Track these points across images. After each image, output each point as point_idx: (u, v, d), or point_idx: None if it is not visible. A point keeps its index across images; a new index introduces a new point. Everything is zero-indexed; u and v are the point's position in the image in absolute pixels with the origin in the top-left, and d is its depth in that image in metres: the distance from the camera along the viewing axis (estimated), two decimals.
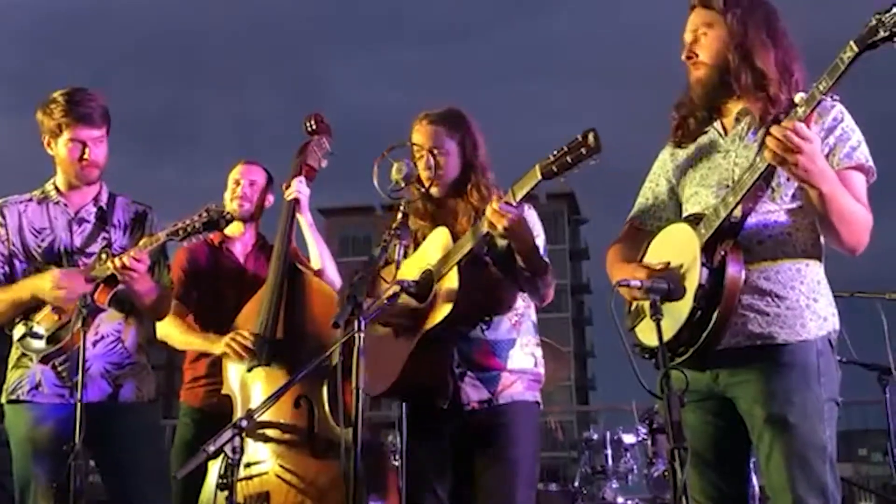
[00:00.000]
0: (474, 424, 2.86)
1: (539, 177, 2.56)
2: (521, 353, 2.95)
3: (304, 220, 3.83)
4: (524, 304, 2.99)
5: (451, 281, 2.76)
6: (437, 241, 2.89)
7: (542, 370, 3.02)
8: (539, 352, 3.02)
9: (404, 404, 2.90)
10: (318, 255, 3.81)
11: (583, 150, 2.46)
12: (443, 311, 2.75)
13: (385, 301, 2.62)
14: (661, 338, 2.19)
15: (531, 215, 2.88)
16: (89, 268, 3.13)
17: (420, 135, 3.03)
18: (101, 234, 3.26)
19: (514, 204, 2.63)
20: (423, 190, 2.97)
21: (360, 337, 2.36)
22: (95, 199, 3.30)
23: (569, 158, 2.49)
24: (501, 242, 2.80)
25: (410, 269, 2.86)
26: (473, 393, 2.87)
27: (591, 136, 2.46)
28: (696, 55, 2.51)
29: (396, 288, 2.70)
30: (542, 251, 2.86)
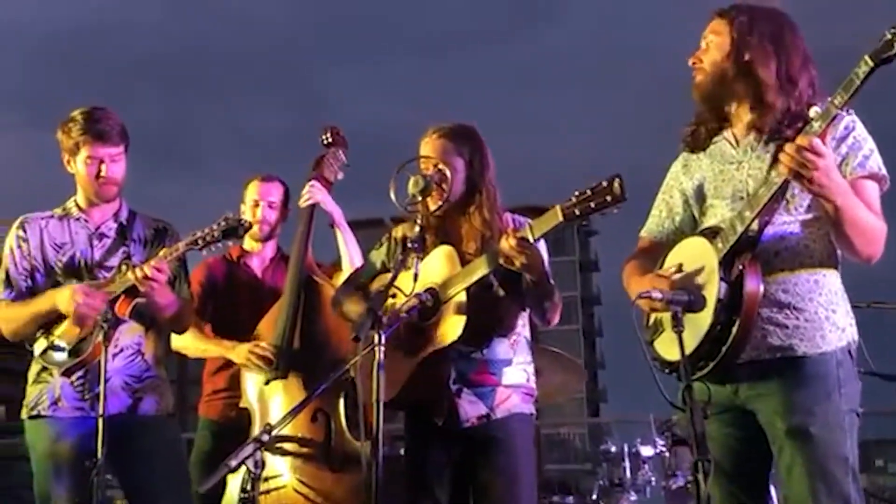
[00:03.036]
0: (474, 439, 2.87)
1: (560, 218, 2.55)
2: (516, 370, 2.95)
3: (336, 221, 3.79)
4: (521, 324, 3.00)
5: (460, 304, 2.77)
6: (441, 260, 2.88)
7: (534, 385, 3.02)
8: (531, 368, 3.02)
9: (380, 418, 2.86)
10: (350, 258, 3.73)
11: (607, 198, 2.44)
12: (452, 333, 2.76)
13: (404, 314, 2.63)
14: (682, 350, 2.19)
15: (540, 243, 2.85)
16: (109, 280, 3.15)
17: (428, 148, 3.01)
18: (121, 248, 3.29)
19: (532, 241, 2.63)
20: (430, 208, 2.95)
21: (380, 350, 2.37)
22: (115, 216, 3.33)
23: (592, 204, 2.47)
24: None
25: (404, 285, 2.82)
26: (471, 409, 2.88)
27: (616, 184, 2.44)
28: (700, 61, 2.53)
29: (415, 301, 2.70)
30: (548, 273, 2.86)
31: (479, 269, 2.76)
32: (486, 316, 2.85)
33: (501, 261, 2.66)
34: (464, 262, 2.86)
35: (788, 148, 2.16)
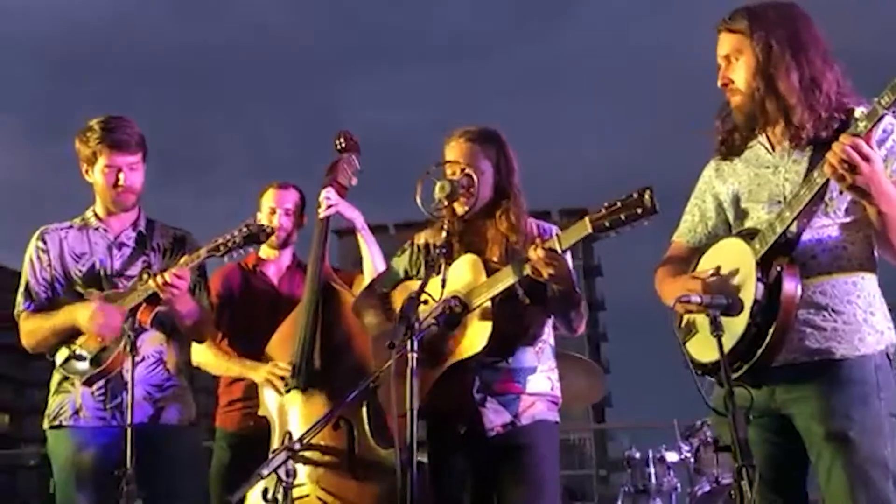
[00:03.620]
0: (498, 447, 2.84)
1: (589, 230, 2.52)
2: (540, 377, 2.93)
3: (357, 225, 3.76)
4: (547, 332, 2.97)
5: (486, 313, 2.74)
6: (465, 268, 2.85)
7: (559, 393, 2.99)
8: (555, 375, 2.99)
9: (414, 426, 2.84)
10: (373, 262, 3.69)
11: (638, 210, 2.41)
12: (477, 344, 2.73)
13: (434, 320, 2.59)
14: (722, 353, 2.16)
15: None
16: (130, 289, 3.13)
17: (454, 152, 2.97)
18: (141, 257, 3.28)
19: (560, 251, 2.60)
20: (456, 212, 2.91)
21: (412, 357, 2.34)
22: (134, 225, 3.32)
23: (622, 216, 2.44)
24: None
25: (433, 292, 2.79)
26: (496, 417, 2.85)
27: (647, 196, 2.41)
28: (732, 81, 2.48)
29: (443, 307, 2.67)
30: (575, 281, 2.84)
31: (506, 278, 2.72)
32: (512, 326, 2.82)
33: (528, 271, 2.63)
34: (488, 269, 2.83)
35: (835, 147, 2.13)
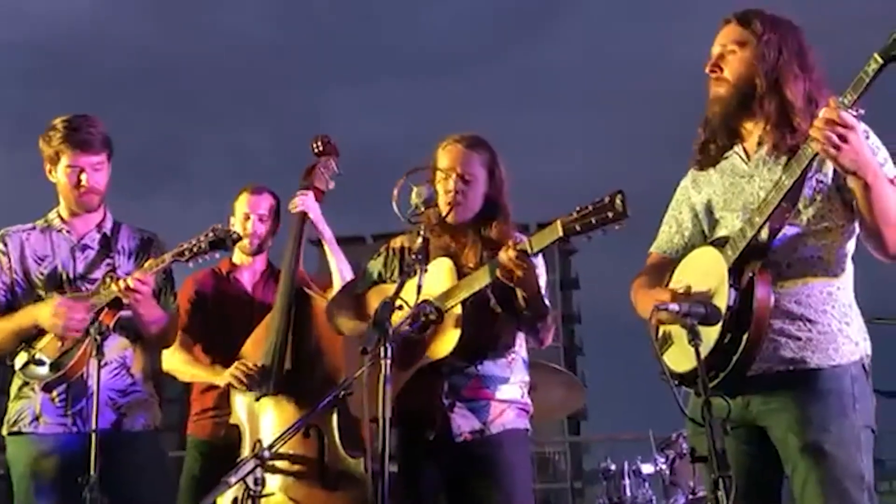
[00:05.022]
0: (468, 455, 2.81)
1: (560, 233, 2.49)
2: (511, 387, 2.91)
3: (323, 235, 3.75)
4: (519, 343, 2.95)
5: (456, 318, 2.72)
6: (439, 273, 2.83)
7: (529, 401, 2.98)
8: (527, 387, 2.97)
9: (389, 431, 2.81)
10: (340, 272, 3.69)
11: (609, 214, 2.39)
12: (446, 347, 2.71)
13: (408, 326, 2.56)
14: (700, 363, 2.14)
15: (538, 260, 2.82)
16: (92, 293, 3.07)
17: (449, 157, 2.93)
18: (105, 260, 3.21)
19: (531, 254, 2.58)
20: (441, 215, 2.89)
21: (386, 364, 2.29)
22: (99, 226, 3.25)
23: (593, 220, 2.41)
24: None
25: (408, 297, 2.75)
26: (465, 423, 2.82)
27: (617, 200, 2.38)
28: (721, 70, 2.46)
29: (416, 313, 2.64)
30: (543, 292, 2.82)
31: (477, 281, 2.71)
32: (481, 332, 2.80)
33: (499, 273, 2.61)
34: (461, 274, 2.81)
35: (818, 122, 2.11)
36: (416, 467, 2.86)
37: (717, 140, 2.52)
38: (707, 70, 2.48)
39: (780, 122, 2.39)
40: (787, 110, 2.38)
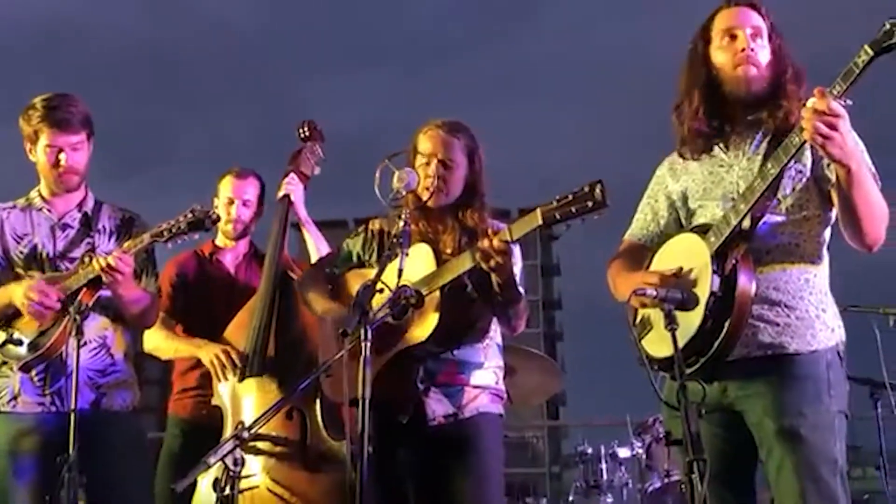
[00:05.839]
0: (441, 438, 2.83)
1: (539, 221, 2.49)
2: (486, 372, 2.92)
3: (302, 219, 3.75)
4: (494, 329, 2.97)
5: (434, 303, 2.72)
6: (417, 258, 2.82)
7: (503, 387, 2.99)
8: (501, 373, 2.99)
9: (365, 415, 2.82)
10: (319, 255, 3.66)
11: (588, 204, 2.40)
12: (423, 332, 2.71)
13: (388, 310, 2.57)
14: (676, 347, 2.17)
15: (514, 247, 2.81)
16: (72, 272, 3.06)
17: (430, 142, 2.93)
18: (86, 239, 3.20)
19: (511, 241, 2.59)
20: (421, 200, 2.89)
21: (366, 346, 2.31)
22: (80, 206, 3.23)
23: (573, 208, 2.42)
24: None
25: (389, 281, 2.74)
26: (439, 408, 2.84)
27: (597, 190, 2.39)
28: (755, 53, 2.46)
29: (396, 297, 2.64)
30: (518, 280, 2.83)
31: (457, 267, 2.71)
32: (459, 317, 2.81)
33: (478, 257, 2.62)
34: (439, 260, 2.81)
35: (807, 112, 2.13)
36: (389, 451, 2.86)
37: (704, 133, 2.52)
38: (740, 50, 2.46)
39: (780, 106, 2.43)
40: (791, 97, 2.42)
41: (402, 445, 2.86)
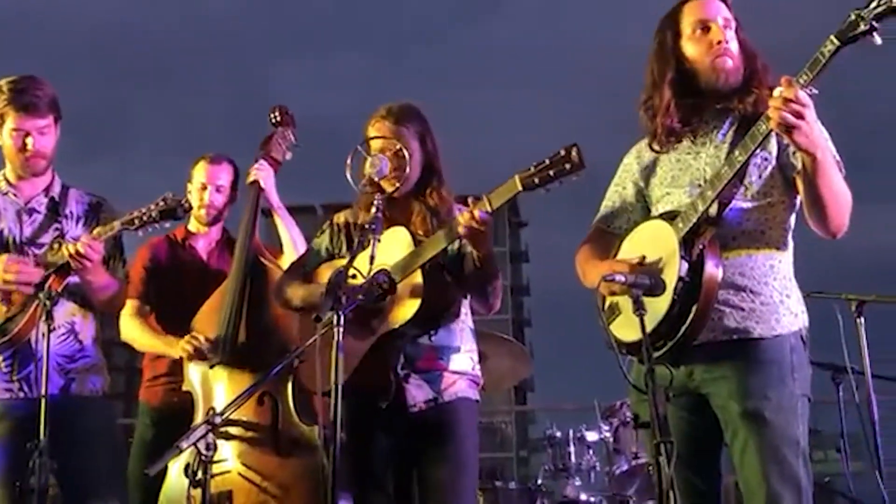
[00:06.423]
0: (421, 423, 2.85)
1: (519, 188, 2.51)
2: (463, 357, 2.94)
3: (273, 204, 3.74)
4: (465, 312, 2.98)
5: (415, 285, 2.73)
6: (395, 241, 2.83)
7: (479, 373, 3.02)
8: (476, 357, 3.01)
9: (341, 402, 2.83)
10: (292, 242, 3.69)
11: (566, 166, 2.43)
12: (406, 313, 2.72)
13: (360, 296, 2.57)
14: (644, 332, 2.20)
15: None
16: (41, 256, 3.04)
17: (380, 132, 2.92)
18: (53, 224, 3.17)
19: (491, 211, 2.59)
20: (387, 188, 2.88)
21: (339, 332, 2.32)
22: (47, 190, 3.21)
23: (551, 172, 2.45)
24: (453, 247, 2.80)
25: (361, 267, 2.76)
26: (419, 393, 2.85)
27: (573, 152, 2.43)
28: (728, 43, 2.49)
29: (369, 283, 2.65)
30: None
31: (434, 246, 2.71)
32: (439, 298, 2.82)
33: (460, 230, 2.61)
34: (416, 241, 2.81)
35: (774, 101, 2.16)
36: (367, 437, 2.87)
37: (675, 126, 2.54)
38: (716, 42, 2.48)
39: (750, 95, 2.46)
40: (762, 83, 2.46)
41: (382, 430, 2.87)
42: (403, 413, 2.83)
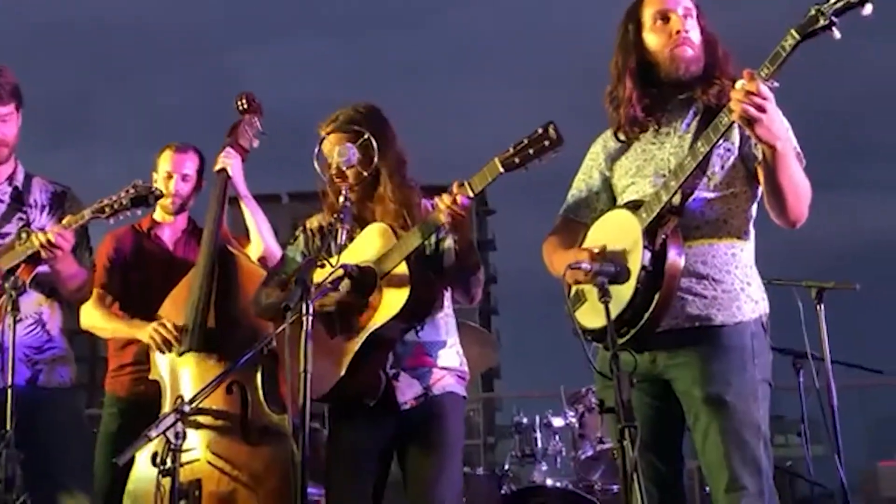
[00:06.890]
0: (410, 419, 2.86)
1: (501, 170, 2.52)
2: (450, 352, 2.96)
3: (240, 192, 3.73)
4: (448, 304, 2.99)
5: (402, 276, 2.71)
6: (374, 237, 2.83)
7: (466, 369, 3.04)
8: (461, 350, 3.03)
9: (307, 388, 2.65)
10: (258, 230, 3.68)
11: (545, 143, 2.46)
12: (395, 305, 2.70)
13: (329, 285, 2.59)
14: (609, 319, 2.24)
15: None
16: (8, 247, 3.00)
17: (332, 147, 2.90)
18: (17, 214, 3.13)
19: (471, 197, 2.60)
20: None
21: (307, 320, 2.33)
22: (10, 179, 3.17)
23: (531, 150, 2.47)
24: (430, 242, 2.81)
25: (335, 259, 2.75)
26: (409, 391, 2.86)
27: (551, 129, 2.46)
28: (687, 32, 2.52)
29: (340, 272, 2.66)
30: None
31: (416, 236, 2.70)
32: (426, 289, 2.80)
33: (444, 218, 2.60)
34: (397, 235, 2.79)
35: (736, 94, 2.19)
36: (352, 432, 2.89)
37: (638, 117, 2.58)
38: (675, 32, 2.52)
39: (713, 84, 2.50)
40: (725, 73, 2.50)
41: (367, 426, 2.87)
42: (394, 412, 2.84)
